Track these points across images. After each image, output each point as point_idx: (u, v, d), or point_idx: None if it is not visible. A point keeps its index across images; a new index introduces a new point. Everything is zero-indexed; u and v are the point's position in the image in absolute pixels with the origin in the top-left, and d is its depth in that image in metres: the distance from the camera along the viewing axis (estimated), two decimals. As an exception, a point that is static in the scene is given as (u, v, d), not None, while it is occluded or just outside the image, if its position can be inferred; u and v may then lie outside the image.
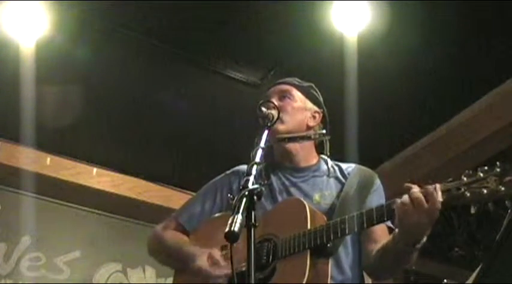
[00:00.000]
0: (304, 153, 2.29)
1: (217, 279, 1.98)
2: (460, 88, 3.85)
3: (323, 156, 2.32)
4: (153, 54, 3.64)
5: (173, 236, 2.28)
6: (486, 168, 1.70)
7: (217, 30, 3.50)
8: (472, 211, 1.72)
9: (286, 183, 2.24)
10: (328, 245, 1.94)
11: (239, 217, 1.56)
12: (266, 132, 1.97)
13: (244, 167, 2.00)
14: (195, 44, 3.60)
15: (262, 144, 1.90)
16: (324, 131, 2.31)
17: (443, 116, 4.14)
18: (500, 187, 1.66)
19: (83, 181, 4.48)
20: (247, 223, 1.60)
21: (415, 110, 4.04)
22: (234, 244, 1.58)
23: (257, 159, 1.82)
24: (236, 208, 1.60)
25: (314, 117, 2.32)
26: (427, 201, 1.74)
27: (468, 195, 1.70)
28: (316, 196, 2.16)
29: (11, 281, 4.22)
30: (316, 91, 2.41)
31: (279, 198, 2.20)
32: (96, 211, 4.64)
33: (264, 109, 2.04)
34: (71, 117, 4.00)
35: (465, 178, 1.73)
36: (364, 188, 2.13)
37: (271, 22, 3.43)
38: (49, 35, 3.45)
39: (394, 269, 2.07)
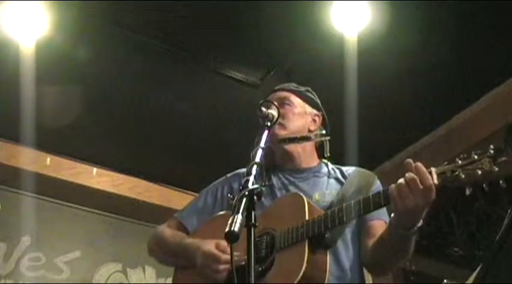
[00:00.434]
0: (305, 156, 2.32)
1: (225, 264, 2.00)
2: (460, 88, 3.85)
3: (324, 160, 2.35)
4: (153, 54, 3.64)
5: (173, 234, 2.30)
6: (480, 151, 1.73)
7: (217, 30, 3.50)
8: (467, 192, 1.74)
9: (286, 182, 2.26)
10: (326, 236, 1.95)
11: (239, 217, 1.57)
12: (266, 132, 1.98)
13: (244, 170, 2.01)
14: (195, 44, 3.60)
15: (262, 144, 1.90)
16: (324, 132, 2.33)
17: (443, 116, 4.14)
18: (494, 167, 1.68)
19: (82, 181, 4.49)
20: (247, 223, 1.60)
21: (415, 110, 4.04)
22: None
23: (257, 159, 1.82)
24: (236, 208, 1.60)
25: (314, 120, 2.36)
26: (421, 183, 1.75)
27: (463, 176, 1.72)
28: (316, 195, 2.17)
29: (11, 281, 4.22)
30: (314, 94, 2.43)
31: (278, 196, 2.22)
32: (96, 211, 4.65)
33: (264, 109, 2.05)
34: (71, 117, 4.01)
35: (460, 161, 1.75)
36: (364, 188, 2.14)
37: (271, 22, 3.43)
38: (49, 35, 3.45)
39: (391, 260, 2.05)
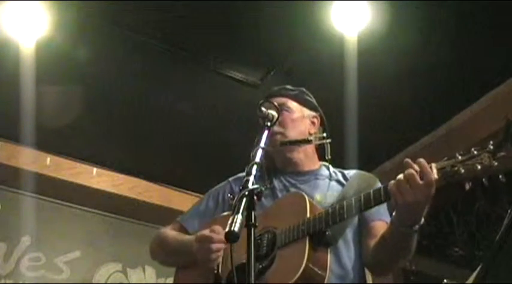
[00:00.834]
0: (307, 160, 2.32)
1: (219, 244, 1.99)
2: (460, 88, 3.85)
3: (325, 163, 2.35)
4: (153, 54, 3.64)
5: (174, 235, 2.31)
6: (479, 147, 1.74)
7: (217, 30, 3.50)
8: (467, 187, 1.74)
9: (287, 184, 2.27)
10: (327, 233, 1.95)
11: (239, 217, 1.57)
12: (266, 132, 1.98)
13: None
14: (195, 44, 3.60)
15: (262, 144, 1.90)
16: (325, 134, 2.33)
17: (443, 116, 4.14)
18: (494, 162, 1.69)
19: (82, 181, 4.49)
20: (247, 223, 1.60)
21: (415, 110, 4.04)
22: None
23: (257, 159, 1.82)
24: (236, 208, 1.60)
25: (313, 122, 2.36)
26: (421, 178, 1.75)
27: (463, 171, 1.73)
28: (318, 197, 2.17)
29: (11, 281, 4.22)
30: (309, 96, 2.43)
31: (280, 196, 2.22)
32: (96, 211, 4.65)
33: (264, 109, 2.05)
34: (71, 117, 4.01)
35: (459, 157, 1.76)
36: (364, 190, 2.13)
37: (271, 22, 3.43)
38: (49, 35, 3.45)
39: (393, 259, 2.05)
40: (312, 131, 2.33)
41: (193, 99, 4.02)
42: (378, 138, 4.17)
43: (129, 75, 3.82)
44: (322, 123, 2.38)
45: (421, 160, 1.79)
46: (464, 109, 4.04)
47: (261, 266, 1.96)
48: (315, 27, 3.44)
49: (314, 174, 2.29)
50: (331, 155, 2.30)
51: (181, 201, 4.63)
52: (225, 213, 2.23)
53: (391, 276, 4.08)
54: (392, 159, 4.43)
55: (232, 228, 1.54)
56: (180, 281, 2.25)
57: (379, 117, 4.03)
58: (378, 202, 1.89)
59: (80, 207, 4.59)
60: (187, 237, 2.23)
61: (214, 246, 2.00)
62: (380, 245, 2.00)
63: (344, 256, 2.06)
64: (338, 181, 2.25)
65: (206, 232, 2.04)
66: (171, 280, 2.30)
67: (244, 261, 1.63)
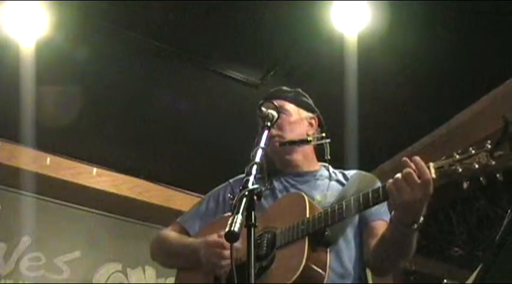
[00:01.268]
0: (307, 161, 2.33)
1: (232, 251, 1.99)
2: (460, 88, 3.85)
3: (324, 163, 2.35)
4: (153, 54, 3.64)
5: (175, 236, 2.31)
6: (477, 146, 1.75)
7: (217, 30, 3.50)
8: (465, 186, 1.74)
9: (287, 185, 2.27)
10: (326, 233, 1.95)
11: (239, 217, 1.57)
12: (266, 132, 1.98)
13: None
14: (195, 44, 3.60)
15: (262, 144, 1.90)
16: (324, 134, 2.33)
17: (443, 116, 4.14)
18: (492, 161, 1.70)
19: (83, 181, 4.49)
20: (247, 223, 1.60)
21: (415, 110, 4.04)
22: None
23: (257, 159, 1.82)
24: (236, 208, 1.60)
25: (311, 124, 2.36)
26: (419, 177, 1.75)
27: (460, 170, 1.73)
28: (318, 197, 2.18)
29: (11, 281, 4.23)
30: (306, 97, 2.43)
31: (279, 197, 2.22)
32: (96, 211, 4.65)
33: (264, 109, 2.05)
34: (71, 117, 4.00)
35: (457, 156, 1.77)
36: (364, 189, 2.14)
37: (271, 22, 3.43)
38: (49, 35, 3.45)
39: (393, 258, 2.05)
40: (310, 132, 2.33)
41: (193, 99, 4.02)
42: (378, 138, 4.17)
43: (129, 75, 3.82)
44: (320, 124, 2.38)
45: (417, 158, 1.79)
46: (464, 109, 4.04)
47: (261, 265, 1.96)
48: (315, 27, 3.44)
49: (314, 175, 2.30)
50: (330, 155, 2.30)
51: (182, 201, 4.63)
52: (225, 214, 2.23)
53: (391, 276, 4.08)
54: (392, 159, 4.43)
55: (232, 228, 1.54)
56: (181, 281, 2.25)
57: (379, 117, 4.03)
58: (377, 202, 1.90)
59: (80, 207, 4.59)
60: (190, 240, 2.23)
61: (227, 253, 1.99)
62: (380, 245, 2.01)
63: (345, 255, 2.07)
64: (338, 181, 2.26)
65: (215, 236, 2.05)
66: (171, 280, 2.31)
67: (243, 260, 1.63)
